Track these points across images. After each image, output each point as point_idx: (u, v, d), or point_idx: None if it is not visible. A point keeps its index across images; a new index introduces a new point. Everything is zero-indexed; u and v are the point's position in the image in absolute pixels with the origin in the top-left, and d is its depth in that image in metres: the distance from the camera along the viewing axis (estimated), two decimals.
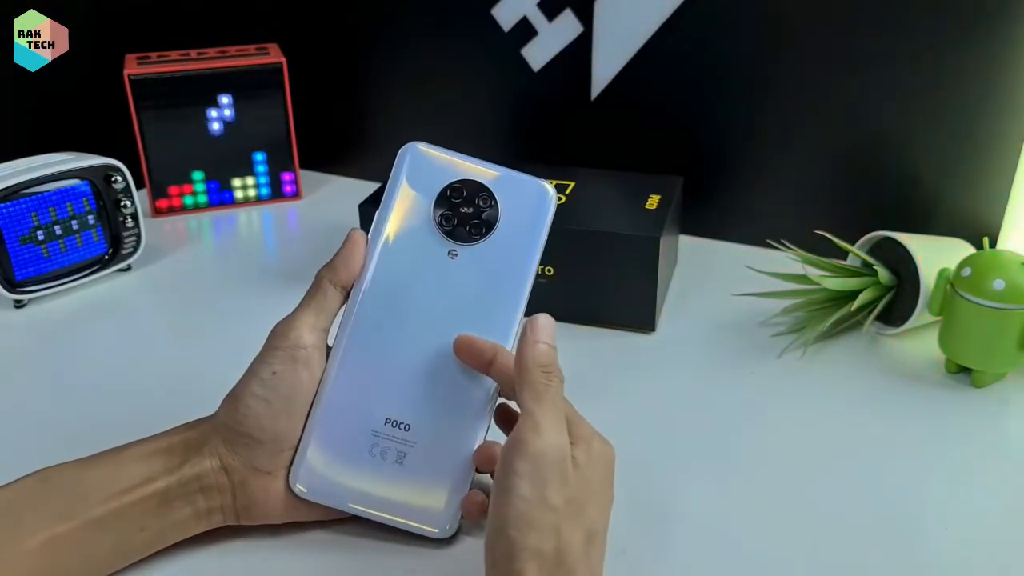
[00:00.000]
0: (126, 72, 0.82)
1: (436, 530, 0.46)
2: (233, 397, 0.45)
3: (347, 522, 0.47)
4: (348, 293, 0.46)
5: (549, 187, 0.47)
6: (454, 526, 0.46)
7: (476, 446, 0.45)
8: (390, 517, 0.46)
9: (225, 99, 0.86)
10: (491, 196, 0.46)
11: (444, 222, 0.46)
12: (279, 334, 0.45)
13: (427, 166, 0.47)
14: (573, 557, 0.37)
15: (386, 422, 0.46)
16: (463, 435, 0.46)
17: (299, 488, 0.45)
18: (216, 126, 0.86)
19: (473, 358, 0.45)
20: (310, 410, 0.45)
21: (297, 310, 0.46)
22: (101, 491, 0.42)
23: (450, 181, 0.46)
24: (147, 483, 0.43)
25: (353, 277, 0.46)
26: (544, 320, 0.41)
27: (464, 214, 0.46)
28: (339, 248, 0.46)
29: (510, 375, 0.42)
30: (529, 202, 0.47)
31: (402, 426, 0.46)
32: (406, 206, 0.46)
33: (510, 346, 0.45)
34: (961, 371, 0.61)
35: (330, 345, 0.47)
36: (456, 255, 0.46)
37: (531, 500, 0.37)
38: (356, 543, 0.47)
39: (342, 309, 0.47)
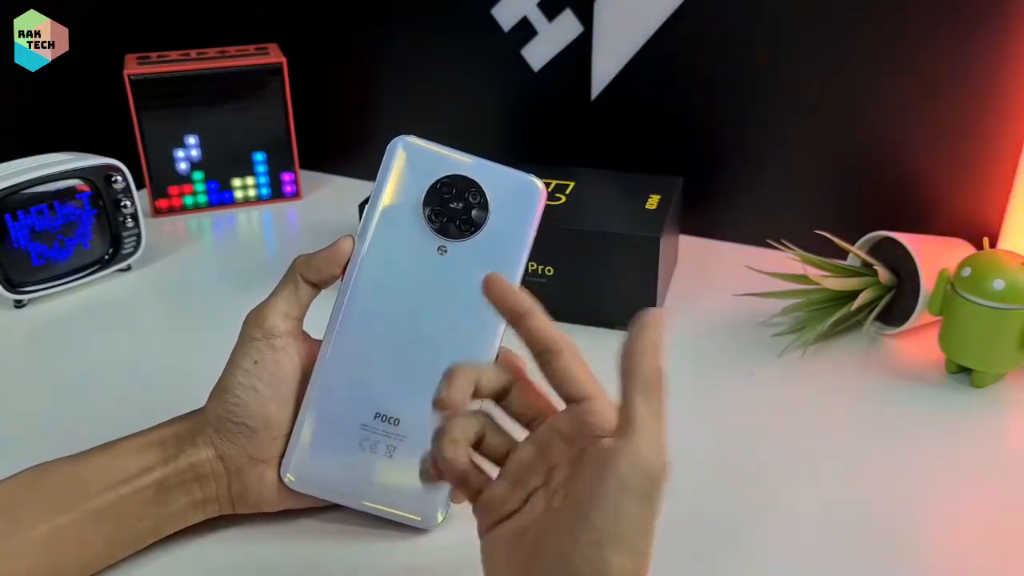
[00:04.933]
0: (126, 72, 0.82)
1: (425, 520, 0.46)
2: (220, 389, 0.45)
3: (344, 513, 0.48)
4: (319, 290, 0.46)
5: (538, 182, 0.47)
6: (443, 517, 0.46)
7: None
8: (380, 508, 0.46)
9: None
10: (480, 192, 0.46)
11: (433, 218, 0.46)
12: (252, 323, 0.45)
13: (417, 160, 0.46)
14: None
15: (376, 416, 0.46)
16: None
17: (289, 478, 0.46)
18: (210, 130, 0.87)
19: (502, 300, 0.39)
20: (301, 403, 0.46)
21: (269, 298, 0.46)
22: (99, 482, 0.43)
23: (439, 177, 0.46)
24: (144, 473, 0.43)
25: (326, 280, 0.46)
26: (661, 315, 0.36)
27: (453, 210, 0.46)
28: (324, 248, 0.46)
29: (546, 342, 0.38)
30: (518, 198, 0.46)
31: (392, 420, 0.46)
32: (396, 201, 0.46)
33: (497, 343, 0.46)
34: (961, 371, 0.61)
35: (315, 338, 0.47)
36: (445, 251, 0.46)
37: (636, 520, 0.33)
38: (355, 533, 0.47)
39: (332, 304, 0.47)
